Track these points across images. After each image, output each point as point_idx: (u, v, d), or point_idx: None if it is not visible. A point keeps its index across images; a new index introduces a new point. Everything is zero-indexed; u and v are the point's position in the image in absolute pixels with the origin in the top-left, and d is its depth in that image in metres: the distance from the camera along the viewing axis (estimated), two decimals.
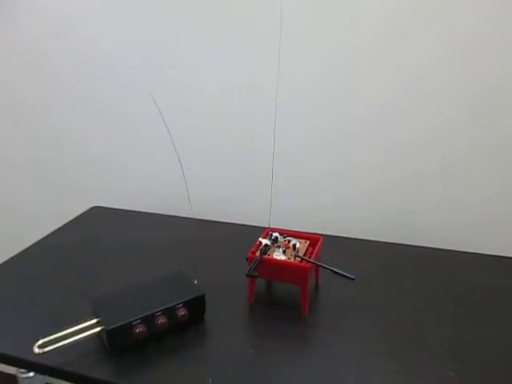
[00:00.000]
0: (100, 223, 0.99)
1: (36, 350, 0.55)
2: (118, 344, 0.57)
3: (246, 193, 1.00)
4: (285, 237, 0.71)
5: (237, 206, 1.01)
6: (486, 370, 0.55)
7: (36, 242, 0.89)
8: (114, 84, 1.01)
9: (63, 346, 0.55)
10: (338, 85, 0.86)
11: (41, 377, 0.91)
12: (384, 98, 0.84)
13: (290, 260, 0.65)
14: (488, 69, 0.77)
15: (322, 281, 0.73)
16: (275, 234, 0.70)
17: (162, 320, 0.59)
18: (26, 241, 0.88)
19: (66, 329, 0.58)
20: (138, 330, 0.57)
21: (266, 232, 0.72)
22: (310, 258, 0.65)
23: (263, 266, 0.64)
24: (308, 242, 0.71)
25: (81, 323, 0.58)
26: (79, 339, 0.56)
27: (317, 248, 0.68)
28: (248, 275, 0.63)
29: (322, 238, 0.71)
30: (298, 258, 0.65)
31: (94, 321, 0.59)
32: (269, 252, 0.67)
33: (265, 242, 0.68)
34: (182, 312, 0.60)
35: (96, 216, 1.03)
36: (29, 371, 0.88)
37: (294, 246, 0.67)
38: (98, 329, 0.58)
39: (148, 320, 0.58)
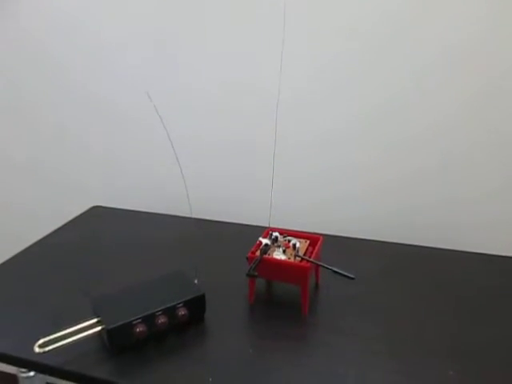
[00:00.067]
0: (100, 223, 0.99)
1: (36, 350, 0.55)
2: (118, 343, 0.57)
3: (246, 192, 1.00)
4: (285, 236, 0.71)
5: (237, 205, 1.01)
6: (486, 369, 0.55)
7: (36, 242, 0.89)
8: (114, 83, 1.01)
9: (63, 345, 0.55)
10: (338, 83, 0.86)
11: (41, 376, 0.91)
12: (383, 95, 0.84)
13: (290, 260, 0.65)
14: (487, 67, 0.77)
15: (321, 280, 0.73)
16: (275, 234, 0.70)
17: (162, 319, 0.59)
18: (26, 240, 0.88)
19: (67, 328, 0.58)
20: (138, 330, 0.57)
21: (266, 232, 0.72)
22: (309, 257, 0.65)
23: (263, 266, 0.65)
24: (308, 241, 0.71)
25: (81, 323, 0.58)
26: (79, 338, 0.56)
27: (317, 248, 0.68)
28: (248, 275, 0.63)
29: (321, 237, 0.71)
30: (298, 258, 0.65)
31: (95, 320, 0.59)
32: (269, 252, 0.67)
33: (265, 241, 0.68)
34: (182, 311, 0.60)
35: (96, 216, 1.04)
36: (29, 371, 0.88)
37: (294, 245, 0.67)
38: (99, 328, 0.58)
39: (148, 319, 0.58)
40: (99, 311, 0.59)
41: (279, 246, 0.68)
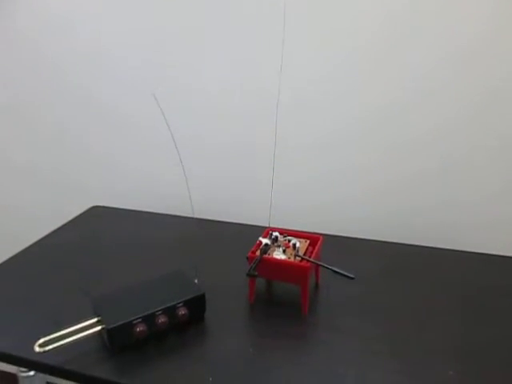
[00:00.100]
0: (100, 223, 0.99)
1: (37, 349, 0.55)
2: (118, 343, 0.57)
3: (246, 192, 1.00)
4: (285, 236, 0.71)
5: (237, 205, 1.01)
6: (486, 369, 0.55)
7: (36, 242, 0.89)
8: (114, 84, 1.01)
9: (64, 344, 0.55)
10: (339, 85, 0.86)
11: (41, 375, 0.91)
12: (384, 98, 0.84)
13: (290, 259, 0.65)
14: (488, 69, 0.77)
15: (321, 280, 0.74)
16: (275, 234, 0.70)
17: (162, 319, 0.59)
18: (26, 240, 0.88)
19: (67, 328, 0.58)
20: (138, 329, 0.57)
21: (266, 231, 0.72)
22: (310, 257, 0.66)
23: (263, 266, 0.65)
24: (308, 241, 0.71)
25: (81, 322, 0.58)
26: (80, 338, 0.56)
27: (317, 247, 0.68)
28: (248, 274, 0.63)
29: (321, 237, 0.71)
30: (298, 258, 0.65)
31: (95, 320, 0.59)
32: (269, 251, 0.67)
33: (265, 241, 0.68)
34: (182, 311, 0.60)
35: (96, 215, 1.04)
36: (29, 370, 0.88)
37: (294, 245, 0.67)
38: (99, 328, 0.58)
39: (148, 319, 0.58)
40: (99, 311, 0.59)
41: (279, 246, 0.68)
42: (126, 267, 0.79)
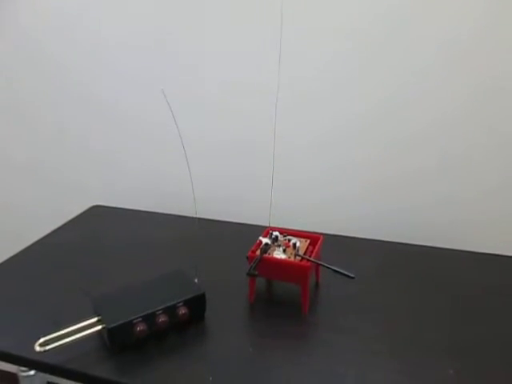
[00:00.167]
0: (100, 222, 0.99)
1: (37, 348, 0.55)
2: (118, 342, 0.57)
3: (246, 192, 1.00)
4: (285, 236, 0.71)
5: (237, 204, 1.01)
6: (486, 368, 0.55)
7: (36, 241, 0.89)
8: (114, 83, 1.01)
9: (64, 344, 0.55)
10: (337, 82, 0.86)
11: (42, 375, 0.91)
12: (383, 94, 0.84)
13: (290, 259, 0.65)
14: (486, 66, 0.77)
15: (322, 279, 0.74)
16: (275, 233, 0.70)
17: (162, 318, 0.59)
18: (26, 239, 0.88)
19: (67, 327, 0.58)
20: (138, 329, 0.57)
21: (267, 231, 0.72)
22: (310, 256, 0.66)
23: (263, 265, 0.65)
24: (308, 240, 0.71)
25: (82, 321, 0.59)
26: (80, 337, 0.56)
27: (317, 247, 0.68)
28: (248, 274, 0.63)
29: (322, 236, 0.71)
30: (298, 257, 0.65)
31: (95, 319, 0.59)
32: (269, 251, 0.67)
33: (265, 240, 0.68)
34: (182, 310, 0.60)
35: (96, 215, 1.04)
36: (30, 369, 0.88)
37: (295, 244, 0.67)
38: (99, 327, 0.58)
39: (149, 318, 0.58)
40: (100, 310, 0.59)
41: (279, 246, 0.68)
42: (126, 267, 0.79)
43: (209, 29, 0.90)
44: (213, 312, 0.65)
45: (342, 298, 0.69)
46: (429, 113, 0.83)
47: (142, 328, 0.57)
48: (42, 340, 0.56)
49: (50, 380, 0.95)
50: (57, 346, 0.55)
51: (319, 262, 0.66)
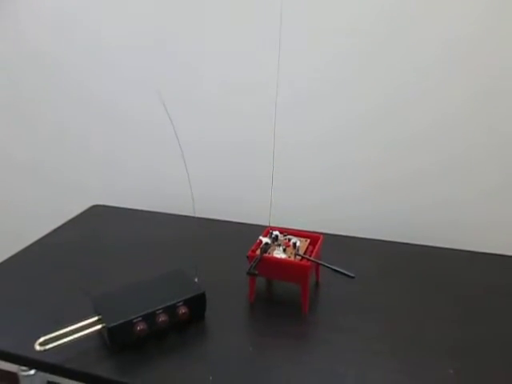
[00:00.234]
0: (100, 222, 0.99)
1: (37, 348, 0.55)
2: (118, 341, 0.57)
3: (247, 191, 1.00)
4: (285, 235, 0.71)
5: (237, 204, 1.01)
6: (486, 368, 0.55)
7: (37, 241, 0.89)
8: (114, 83, 1.01)
9: (64, 343, 0.55)
10: (337, 83, 0.86)
11: (42, 374, 0.91)
12: (383, 95, 0.84)
13: (290, 258, 0.65)
14: (487, 66, 0.77)
15: (322, 279, 0.74)
16: (275, 233, 0.70)
17: (162, 318, 0.59)
18: (26, 239, 0.88)
19: (67, 326, 0.58)
20: (138, 328, 0.57)
21: (267, 230, 0.72)
22: (310, 256, 0.66)
23: (263, 265, 0.65)
24: (308, 240, 0.71)
25: (82, 321, 0.59)
26: (80, 337, 0.56)
27: (317, 246, 0.68)
28: (248, 273, 0.63)
29: (322, 236, 0.71)
30: (298, 257, 0.65)
31: (95, 318, 0.59)
32: (269, 250, 0.67)
33: (265, 240, 0.68)
34: (182, 310, 0.60)
35: (96, 214, 1.04)
36: (30, 369, 0.88)
37: (295, 244, 0.67)
38: (99, 326, 0.58)
39: (149, 318, 0.58)
40: (100, 309, 0.59)
41: (279, 245, 0.68)
42: (126, 266, 0.79)
43: (208, 29, 0.90)
44: (213, 311, 0.65)
45: (342, 297, 0.69)
46: (429, 113, 0.83)
47: (142, 327, 0.57)
48: (42, 339, 0.56)
49: (50, 379, 0.95)
50: (57, 346, 0.55)
51: (319, 262, 0.66)
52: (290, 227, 0.74)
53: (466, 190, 0.85)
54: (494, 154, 0.82)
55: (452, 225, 0.88)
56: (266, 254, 0.66)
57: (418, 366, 0.56)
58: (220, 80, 0.93)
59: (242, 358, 0.57)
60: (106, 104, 1.04)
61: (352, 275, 0.63)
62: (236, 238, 0.84)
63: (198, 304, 0.63)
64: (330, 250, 0.73)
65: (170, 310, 0.60)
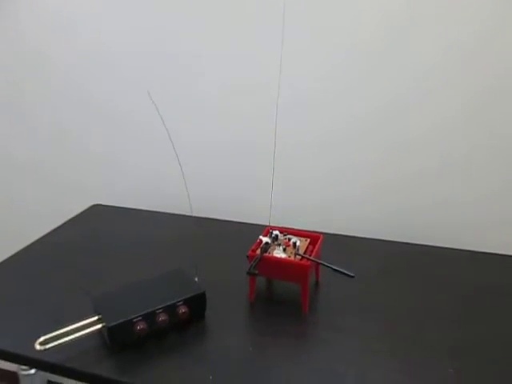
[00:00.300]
0: (100, 221, 0.99)
1: (37, 347, 0.55)
2: (118, 341, 0.57)
3: (247, 191, 1.00)
4: (285, 235, 0.71)
5: (237, 204, 1.01)
6: (486, 367, 0.55)
7: (37, 240, 0.89)
8: (114, 83, 1.01)
9: (64, 342, 0.55)
10: (338, 84, 0.86)
11: (42, 374, 0.91)
12: (384, 97, 0.84)
13: (290, 258, 0.65)
14: (487, 69, 0.77)
15: (322, 279, 0.74)
16: (275, 232, 0.70)
17: (162, 317, 0.59)
18: (27, 238, 0.88)
19: (67, 326, 0.58)
20: (138, 327, 0.57)
21: (267, 230, 0.72)
22: (310, 256, 0.66)
23: (263, 264, 0.65)
24: (308, 240, 0.71)
25: (82, 320, 0.59)
26: (80, 336, 0.56)
27: (317, 246, 0.68)
28: (248, 273, 0.63)
29: (322, 236, 0.71)
30: (298, 256, 0.65)
31: (95, 318, 0.59)
32: (269, 250, 0.67)
33: (265, 240, 0.68)
34: (182, 309, 0.60)
35: (96, 214, 1.04)
36: (30, 368, 0.88)
37: (295, 244, 0.67)
38: (99, 326, 0.58)
39: (149, 317, 0.58)
40: (100, 309, 0.59)
41: (279, 245, 0.68)
42: (126, 266, 0.79)
43: (209, 29, 0.90)
44: (213, 311, 0.65)
45: (342, 297, 0.70)
46: (429, 116, 0.83)
47: (142, 327, 0.57)
48: (42, 339, 0.56)
49: (50, 379, 0.95)
50: (57, 345, 0.55)
51: (319, 261, 0.66)
52: (290, 227, 0.74)
53: (466, 190, 0.85)
54: (494, 155, 0.82)
55: (452, 225, 0.88)
56: (266, 254, 0.66)
57: (418, 365, 0.56)
58: (221, 80, 0.93)
59: (242, 357, 0.58)
60: (106, 104, 1.04)
61: (352, 275, 0.63)
62: (236, 238, 0.84)
63: (198, 303, 0.63)
64: (329, 249, 0.73)
65: (170, 309, 0.60)
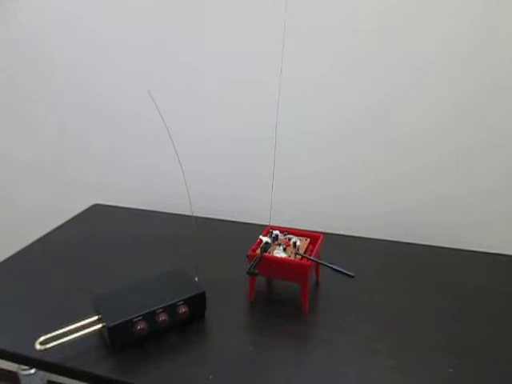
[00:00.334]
0: (101, 221, 0.99)
1: (38, 347, 0.55)
2: (119, 341, 0.57)
3: (247, 191, 1.00)
4: (285, 234, 0.71)
5: (237, 203, 1.01)
6: (485, 366, 0.55)
7: (38, 239, 0.89)
8: (115, 82, 1.01)
9: (65, 342, 0.55)
10: (337, 81, 0.86)
11: (42, 373, 0.91)
12: (382, 94, 0.84)
13: (290, 258, 0.65)
14: (486, 65, 0.77)
15: (322, 278, 0.74)
16: (276, 232, 0.70)
17: (162, 317, 0.59)
18: (28, 238, 0.88)
19: (68, 326, 0.58)
20: (139, 327, 0.57)
21: (267, 230, 0.72)
22: (310, 255, 0.66)
23: (264, 264, 0.65)
24: (308, 239, 0.71)
25: (82, 320, 0.59)
26: (80, 336, 0.56)
27: (317, 246, 0.68)
28: (248, 273, 0.63)
29: (322, 235, 0.71)
30: (298, 256, 0.65)
31: (96, 318, 0.59)
32: (269, 250, 0.67)
33: (265, 239, 0.68)
34: (182, 309, 0.60)
35: (97, 213, 1.04)
36: (30, 368, 0.89)
37: (295, 243, 0.67)
38: (100, 325, 0.58)
39: (149, 317, 0.58)
40: (100, 309, 0.59)
41: (279, 244, 0.68)
42: (126, 265, 0.79)
43: (210, 27, 0.90)
44: (213, 311, 0.65)
45: (342, 297, 0.69)
46: (429, 113, 0.83)
47: (142, 326, 0.57)
48: (42, 338, 0.56)
49: (50, 378, 0.95)
50: (57, 345, 0.55)
51: (319, 261, 0.66)
52: (290, 227, 0.74)
53: (466, 189, 0.85)
54: (494, 154, 0.82)
55: (452, 225, 0.88)
56: (266, 254, 0.66)
57: (418, 365, 0.56)
58: (221, 78, 0.93)
59: (242, 357, 0.58)
60: (107, 103, 1.04)
61: (352, 274, 0.63)
62: (236, 237, 0.84)
63: (198, 303, 0.63)
64: (330, 249, 0.73)
65: (170, 309, 0.60)
